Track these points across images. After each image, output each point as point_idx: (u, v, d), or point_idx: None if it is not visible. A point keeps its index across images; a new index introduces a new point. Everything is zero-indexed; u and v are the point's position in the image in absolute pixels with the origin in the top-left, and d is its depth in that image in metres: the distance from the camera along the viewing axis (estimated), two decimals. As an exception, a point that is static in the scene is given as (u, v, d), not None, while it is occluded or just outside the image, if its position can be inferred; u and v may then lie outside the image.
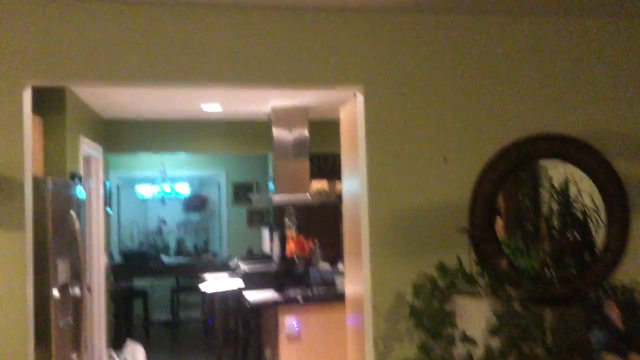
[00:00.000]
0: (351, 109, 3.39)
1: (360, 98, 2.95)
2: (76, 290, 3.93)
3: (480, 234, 2.90)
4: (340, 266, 5.04)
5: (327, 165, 8.91)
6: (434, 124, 2.95)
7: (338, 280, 4.98)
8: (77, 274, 3.95)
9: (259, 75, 2.82)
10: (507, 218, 3.23)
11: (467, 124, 2.98)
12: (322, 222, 8.84)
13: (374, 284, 2.88)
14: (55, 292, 3.53)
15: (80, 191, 4.33)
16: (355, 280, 3.45)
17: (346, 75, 2.88)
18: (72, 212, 3.91)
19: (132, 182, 9.20)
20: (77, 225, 3.90)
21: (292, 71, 2.83)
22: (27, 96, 2.68)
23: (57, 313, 3.55)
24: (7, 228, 2.58)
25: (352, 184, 3.44)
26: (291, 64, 2.83)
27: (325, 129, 6.51)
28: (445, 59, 2.98)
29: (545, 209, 3.24)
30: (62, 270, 3.69)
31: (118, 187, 9.22)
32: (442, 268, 2.70)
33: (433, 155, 2.94)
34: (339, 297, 4.81)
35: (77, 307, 3.96)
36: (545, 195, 3.26)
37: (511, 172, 3.03)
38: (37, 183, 3.49)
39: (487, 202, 2.93)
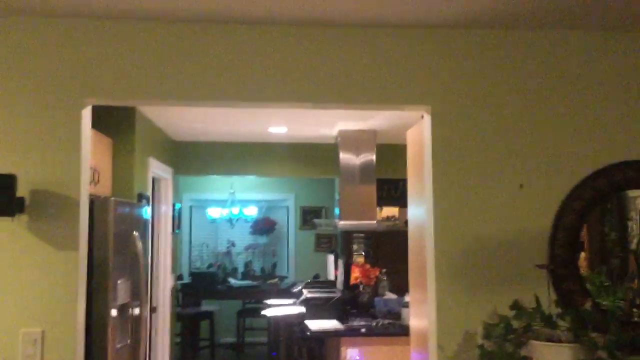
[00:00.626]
0: (418, 132, 3.20)
1: (427, 119, 2.76)
2: (136, 311, 3.90)
3: (561, 270, 2.60)
4: (407, 297, 4.79)
5: (397, 191, 8.70)
6: (509, 147, 2.70)
7: (404, 312, 4.73)
8: (138, 295, 3.92)
9: (326, 95, 2.68)
10: (590, 253, 2.91)
11: (547, 148, 2.71)
12: (391, 250, 8.60)
13: (439, 321, 2.64)
14: (114, 313, 3.49)
15: (145, 212, 4.33)
16: (420, 315, 3.21)
17: (414, 95, 2.70)
18: (135, 233, 3.89)
19: (203, 204, 9.31)
20: (139, 245, 3.88)
21: (359, 90, 2.68)
22: (86, 115, 2.66)
23: (114, 334, 3.51)
24: (60, 247, 2.55)
25: (418, 212, 3.23)
26: (358, 83, 2.68)
27: (394, 153, 6.31)
28: (522, 77, 2.74)
29: (634, 243, 2.90)
30: (122, 290, 3.66)
31: (191, 209, 9.38)
32: (517, 307, 2.43)
33: (507, 182, 2.69)
34: (405, 331, 4.56)
35: (136, 328, 3.92)
36: (634, 228, 2.93)
37: (598, 202, 2.72)
38: (101, 203, 3.50)
39: (570, 235, 2.64)
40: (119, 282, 3.60)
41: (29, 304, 2.55)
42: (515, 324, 2.42)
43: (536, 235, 2.66)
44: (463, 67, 2.71)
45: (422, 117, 3.20)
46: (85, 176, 2.66)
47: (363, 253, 8.87)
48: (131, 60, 2.63)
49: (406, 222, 7.18)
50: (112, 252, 3.49)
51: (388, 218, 7.20)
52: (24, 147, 2.58)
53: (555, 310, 2.47)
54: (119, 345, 3.61)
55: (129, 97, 2.65)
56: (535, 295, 2.52)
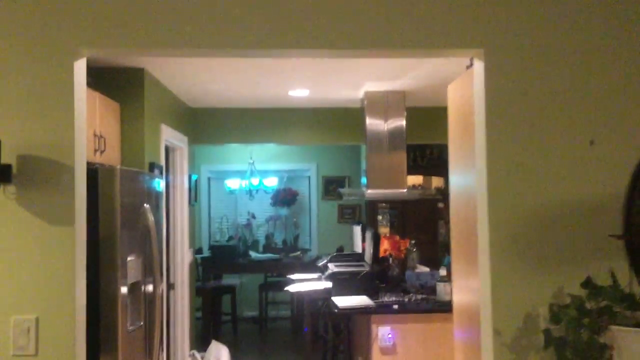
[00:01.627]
0: (463, 86, 2.78)
1: (479, 67, 2.33)
2: (149, 289, 3.58)
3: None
4: (442, 271, 4.43)
5: (423, 158, 8.28)
6: (577, 97, 2.27)
7: (440, 287, 4.36)
8: (152, 272, 3.60)
9: (359, 39, 2.26)
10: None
11: (622, 98, 2.27)
12: (417, 220, 8.24)
13: (495, 302, 2.26)
14: (124, 292, 3.18)
15: (158, 183, 3.99)
16: (465, 290, 2.85)
17: (463, 35, 2.26)
18: (147, 205, 3.55)
19: (222, 176, 9.00)
20: (151, 219, 3.54)
21: (398, 32, 2.25)
22: (80, 68, 2.29)
23: (124, 315, 3.20)
24: (54, 221, 2.21)
25: (463, 178, 2.83)
26: (396, 22, 2.26)
27: (422, 117, 5.89)
28: (593, 15, 2.29)
29: None
30: (133, 267, 3.34)
31: (209, 180, 9.07)
32: (591, 286, 2.03)
33: (575, 138, 2.27)
34: (441, 307, 4.22)
35: (151, 307, 3.61)
36: None
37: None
38: (106, 172, 3.15)
39: (650, 200, 2.23)
40: (128, 258, 3.27)
41: (21, 287, 2.22)
42: (590, 306, 2.03)
43: (609, 201, 2.24)
44: (522, 1, 2.28)
45: (468, 67, 2.78)
46: (81, 139, 2.30)
47: (388, 223, 8.53)
48: (130, 1, 2.24)
49: (438, 190, 6.79)
50: (119, 227, 3.15)
51: (413, 187, 6.79)
52: (7, 107, 2.22)
53: (636, 289, 2.07)
54: (131, 328, 3.30)
55: (129, 46, 2.26)
56: (611, 271, 2.13)
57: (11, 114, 2.21)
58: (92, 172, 3.12)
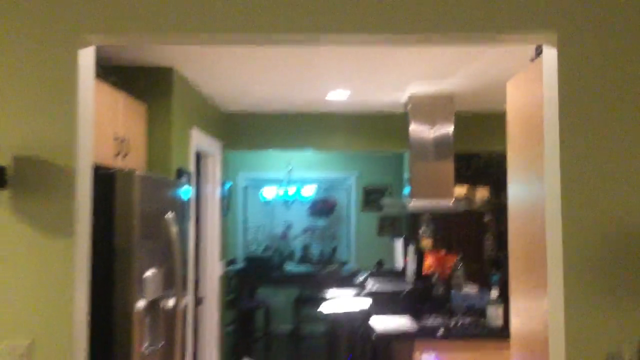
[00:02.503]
0: (527, 81, 2.39)
1: (550, 56, 1.95)
2: (170, 304, 3.28)
3: None
4: (493, 292, 4.00)
5: (468, 168, 7.82)
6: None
7: (491, 310, 3.94)
8: (174, 286, 3.30)
9: (410, 21, 1.90)
10: None
11: None
12: (463, 234, 7.77)
13: (569, 336, 1.86)
14: (140, 309, 2.88)
15: (185, 191, 3.71)
16: (526, 315, 2.45)
17: (532, 17, 1.88)
18: (170, 215, 3.26)
19: (259, 184, 8.73)
20: (174, 230, 3.25)
21: (454, 14, 1.89)
22: (86, 57, 2.01)
23: (141, 334, 2.91)
24: (52, 232, 1.92)
25: (526, 189, 2.44)
26: (452, 3, 1.90)
27: (468, 124, 5.48)
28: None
29: None
30: (152, 282, 3.04)
31: (246, 189, 8.82)
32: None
33: (673, 142, 1.86)
34: (493, 333, 3.81)
35: (171, 326, 3.31)
36: None
37: None
38: (124, 178, 2.88)
39: None
40: (147, 273, 2.98)
41: (14, 307, 1.93)
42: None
43: None
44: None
45: (533, 59, 2.39)
46: (86, 138, 2.01)
47: (431, 236, 8.10)
48: (142, -19, 1.95)
49: (487, 202, 6.34)
50: (137, 237, 2.87)
51: (464, 198, 6.39)
52: (3, 102, 1.95)
53: None
54: (149, 348, 3.00)
55: (140, 31, 1.96)
56: None
57: (7, 109, 1.94)
58: (109, 177, 2.86)
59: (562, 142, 1.87)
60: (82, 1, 1.94)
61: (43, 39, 1.93)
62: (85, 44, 1.98)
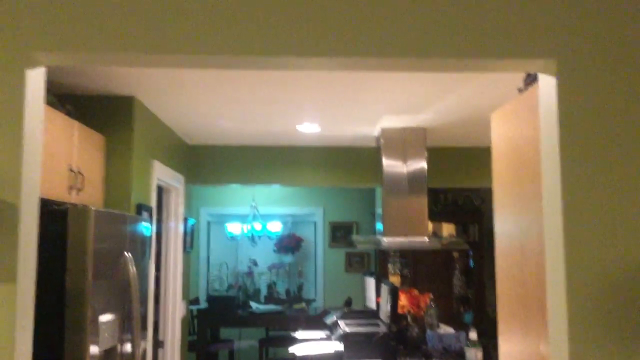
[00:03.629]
0: (516, 112, 2.26)
1: (547, 84, 1.81)
2: (127, 350, 2.99)
3: None
4: (472, 334, 3.82)
5: (436, 204, 7.73)
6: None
7: (470, 353, 3.75)
8: (131, 331, 3.02)
9: (404, 45, 1.73)
10: None
11: None
12: (431, 270, 7.62)
13: (574, 392, 1.68)
14: (92, 358, 2.60)
15: (145, 227, 3.45)
16: (519, 358, 2.27)
17: (530, 42, 1.75)
18: (127, 254, 3.00)
19: (222, 220, 8.45)
20: (131, 270, 2.98)
21: (447, 39, 1.74)
22: (35, 79, 1.78)
23: (94, 392, 2.61)
24: (-12, 279, 1.65)
25: (515, 227, 2.28)
26: (446, 28, 1.75)
27: (440, 158, 5.39)
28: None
29: None
30: (107, 329, 2.76)
31: (208, 225, 8.52)
32: None
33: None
34: (473, 378, 3.62)
35: (129, 377, 3.01)
36: None
37: None
38: (77, 214, 2.62)
39: None
40: (102, 318, 2.70)
41: (-59, 365, 1.66)
42: None
43: None
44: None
45: (521, 90, 2.27)
46: (33, 170, 1.77)
47: (398, 273, 7.92)
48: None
49: (460, 239, 6.21)
50: (91, 279, 2.60)
51: (439, 235, 6.27)
52: (-64, 126, 1.70)
53: None
54: (102, 406, 2.70)
55: (93, 51, 1.74)
56: None
57: (-59, 135, 1.70)
58: (61, 213, 2.60)
59: (563, 177, 1.72)
60: (32, 16, 1.73)
61: (-15, 58, 1.70)
62: (34, 64, 1.76)
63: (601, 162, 1.72)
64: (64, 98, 3.32)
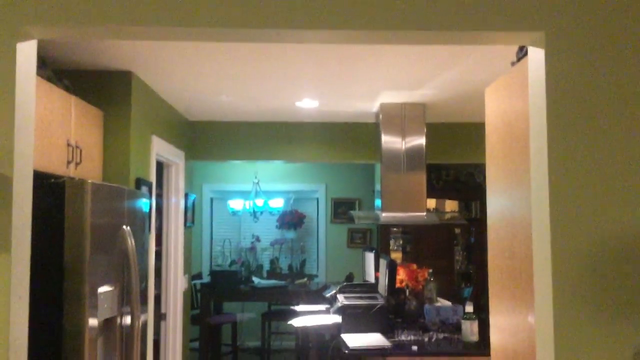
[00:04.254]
0: (508, 86, 2.27)
1: (536, 57, 1.82)
2: (127, 322, 3.05)
3: None
4: (467, 306, 3.87)
5: (439, 180, 7.74)
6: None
7: (466, 325, 3.80)
8: (130, 303, 3.07)
9: (392, 17, 1.74)
10: None
11: None
12: (433, 247, 7.67)
13: (559, 352, 1.72)
14: (92, 328, 2.65)
15: (144, 202, 3.48)
16: (509, 332, 2.31)
17: (518, 15, 1.75)
18: (126, 227, 3.04)
19: (225, 196, 8.50)
20: (130, 243, 3.02)
21: (438, 11, 1.74)
22: (26, 52, 1.80)
23: (93, 356, 2.67)
24: (-18, 248, 1.69)
25: (507, 201, 2.30)
26: (439, 2, 1.76)
27: (438, 135, 5.39)
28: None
29: None
30: (106, 300, 2.82)
31: (211, 201, 8.57)
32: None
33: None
34: (468, 349, 3.67)
35: (129, 346, 3.07)
36: None
37: None
38: (74, 187, 2.65)
39: None
40: (100, 289, 2.75)
41: (-61, 332, 1.70)
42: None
43: None
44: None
45: (514, 63, 2.27)
46: (24, 142, 1.80)
47: (400, 249, 7.97)
48: (90, -33, 1.75)
49: (461, 215, 6.23)
50: (89, 251, 2.64)
51: (428, 210, 6.29)
52: None
53: None
54: (100, 374, 2.77)
55: (84, 22, 1.76)
56: None
57: None
58: (58, 186, 2.63)
59: (550, 149, 1.74)
60: (22, -10, 1.74)
61: (-25, 30, 1.72)
62: (25, 37, 1.77)
63: (588, 135, 1.74)
64: (62, 73, 3.33)
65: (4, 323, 1.72)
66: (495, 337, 2.52)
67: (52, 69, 3.22)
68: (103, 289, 2.78)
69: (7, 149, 1.71)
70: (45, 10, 1.75)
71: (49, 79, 2.93)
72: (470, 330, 3.79)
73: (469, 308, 3.87)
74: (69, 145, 3.04)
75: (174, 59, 3.50)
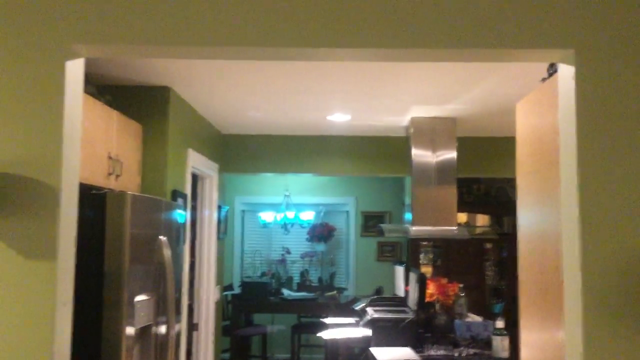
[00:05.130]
0: (539, 102, 2.29)
1: (566, 73, 1.85)
2: (162, 331, 3.14)
3: None
4: (499, 322, 3.85)
5: (470, 194, 7.71)
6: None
7: (496, 341, 3.78)
8: (165, 312, 3.16)
9: (423, 36, 1.81)
10: None
11: None
12: (463, 261, 7.62)
13: (588, 376, 1.72)
14: (130, 335, 2.74)
15: (180, 213, 3.58)
16: (538, 347, 2.31)
17: (548, 32, 1.79)
18: (163, 238, 3.13)
19: (255, 208, 8.60)
20: (167, 253, 3.12)
21: (468, 30, 1.80)
22: (74, 69, 1.90)
23: (129, 367, 2.75)
24: (32, 255, 1.79)
25: (537, 216, 2.32)
26: (467, 19, 1.81)
27: (469, 149, 5.39)
28: None
29: None
30: (143, 308, 2.90)
31: (243, 213, 8.69)
32: None
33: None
34: (499, 365, 3.66)
35: (163, 352, 3.15)
36: None
37: None
38: (115, 198, 2.75)
39: None
40: (138, 298, 2.84)
41: (-10, 335, 1.80)
42: None
43: None
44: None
45: (545, 79, 2.29)
46: (73, 156, 1.90)
47: (431, 263, 7.94)
48: (135, -9, 1.85)
49: (493, 230, 6.20)
50: (128, 261, 2.73)
51: (458, 225, 6.27)
52: (-17, 115, 1.84)
53: None
54: (137, 381, 2.85)
55: (130, 43, 1.86)
56: None
57: (-12, 123, 1.83)
58: (99, 197, 2.74)
59: (580, 164, 1.76)
60: (72, 10, 1.84)
61: (28, 49, 1.83)
62: (74, 55, 1.88)
63: (617, 150, 1.75)
64: (104, 89, 3.46)
65: (49, 329, 1.81)
66: (525, 353, 2.52)
67: (94, 84, 3.35)
68: (140, 297, 2.87)
69: (56, 162, 1.81)
70: (93, 30, 1.85)
71: (91, 95, 3.05)
72: (501, 346, 3.77)
73: (500, 324, 3.85)
74: (110, 158, 3.16)
75: (210, 75, 3.60)
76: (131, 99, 3.69)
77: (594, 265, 1.74)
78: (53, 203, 1.80)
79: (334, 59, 1.93)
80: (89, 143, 2.91)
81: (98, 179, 3.03)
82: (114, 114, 3.27)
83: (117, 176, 3.26)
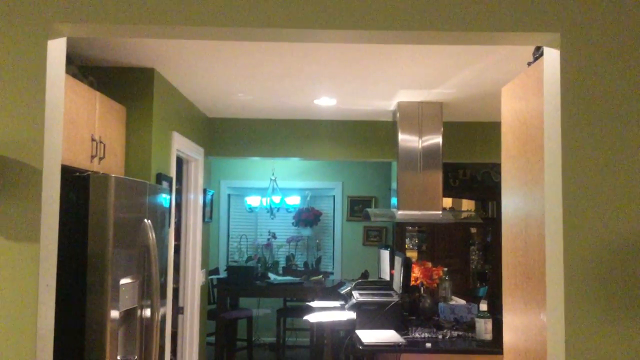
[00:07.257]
0: (524, 86, 2.30)
1: (551, 57, 1.85)
2: (147, 314, 3.13)
3: None
4: (481, 304, 3.90)
5: (455, 179, 7.76)
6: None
7: (479, 323, 3.82)
8: (150, 295, 3.15)
9: (410, 18, 1.80)
10: None
11: None
12: (449, 246, 7.69)
13: (570, 351, 1.75)
14: (114, 318, 2.73)
15: (165, 196, 3.56)
16: (521, 330, 2.34)
17: (534, 16, 1.79)
18: (147, 221, 3.12)
19: (242, 193, 8.58)
20: (151, 236, 3.10)
21: (455, 13, 1.79)
22: (56, 49, 1.87)
23: (114, 345, 2.76)
24: (14, 237, 1.77)
25: (521, 201, 2.33)
26: (453, 2, 1.79)
27: (455, 134, 5.41)
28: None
29: None
30: (127, 292, 2.89)
31: (229, 197, 8.67)
32: None
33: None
34: (482, 347, 3.70)
35: (148, 337, 3.15)
36: None
37: None
38: (98, 181, 2.73)
39: None
40: (123, 281, 2.83)
41: (-29, 317, 1.78)
42: None
43: None
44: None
45: (530, 63, 2.30)
46: (54, 137, 1.87)
47: (416, 248, 8.00)
48: (118, -31, 1.82)
49: (478, 214, 6.24)
50: (112, 244, 2.72)
51: (444, 209, 6.31)
52: (-36, 94, 1.81)
53: None
54: (122, 361, 2.85)
55: (114, 21, 1.83)
56: None
57: (-32, 103, 1.80)
58: (83, 180, 2.71)
59: (564, 149, 1.77)
60: (53, -11, 1.81)
61: (9, 28, 1.80)
62: (56, 35, 1.84)
63: (601, 135, 1.76)
64: (87, 70, 3.42)
65: (32, 310, 1.79)
66: (508, 336, 2.55)
67: (77, 65, 3.30)
68: (124, 281, 2.86)
69: (37, 143, 1.79)
70: (75, 9, 1.82)
71: (74, 76, 3.01)
72: (484, 328, 3.81)
73: (484, 307, 3.90)
74: (93, 140, 3.12)
75: (195, 57, 3.57)
76: (115, 80, 3.65)
77: (577, 250, 1.75)
78: (35, 185, 1.77)
79: (322, 41, 1.92)
80: (72, 125, 2.88)
81: (81, 162, 2.99)
82: (97, 96, 3.23)
83: (101, 159, 3.23)
